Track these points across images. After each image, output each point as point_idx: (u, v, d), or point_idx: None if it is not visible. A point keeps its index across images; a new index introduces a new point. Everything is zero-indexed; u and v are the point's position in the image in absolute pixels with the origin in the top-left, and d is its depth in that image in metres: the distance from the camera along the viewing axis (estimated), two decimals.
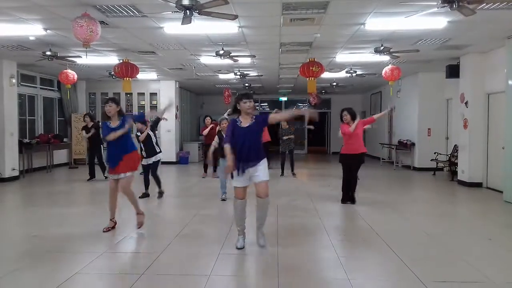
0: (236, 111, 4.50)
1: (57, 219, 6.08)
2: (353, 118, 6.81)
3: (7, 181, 9.70)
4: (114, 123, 5.18)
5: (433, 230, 5.39)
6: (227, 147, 4.36)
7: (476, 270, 3.91)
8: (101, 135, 5.32)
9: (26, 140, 11.01)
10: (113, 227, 5.32)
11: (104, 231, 5.20)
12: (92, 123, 9.78)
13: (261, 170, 4.38)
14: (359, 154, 6.82)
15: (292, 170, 10.58)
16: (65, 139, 13.23)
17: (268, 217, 6.02)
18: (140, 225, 5.32)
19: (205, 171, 10.59)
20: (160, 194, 7.47)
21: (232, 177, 4.44)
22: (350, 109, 6.95)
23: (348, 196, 6.96)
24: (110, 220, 5.35)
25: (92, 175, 9.90)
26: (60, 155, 13.13)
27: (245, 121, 4.41)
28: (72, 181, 10.52)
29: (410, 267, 3.95)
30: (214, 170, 10.17)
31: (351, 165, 6.84)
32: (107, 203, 5.39)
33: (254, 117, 4.44)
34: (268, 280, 3.70)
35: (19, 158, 10.39)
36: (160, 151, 7.39)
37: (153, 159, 7.21)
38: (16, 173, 10.18)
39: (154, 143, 7.24)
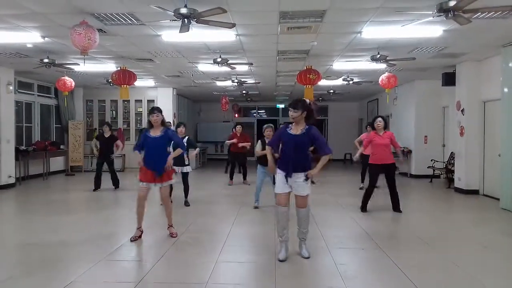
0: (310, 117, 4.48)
1: (53, 226, 6.04)
2: (385, 127, 7.12)
3: (3, 189, 9.65)
4: (155, 132, 5.15)
5: (430, 237, 5.39)
6: (268, 148, 4.58)
7: (472, 277, 3.91)
8: (137, 143, 5.35)
9: (23, 147, 10.96)
10: (140, 236, 5.24)
11: (132, 241, 5.14)
12: (109, 133, 9.48)
13: (306, 184, 4.41)
14: (390, 164, 6.93)
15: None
16: (61, 146, 13.20)
17: (264, 225, 6.05)
18: (175, 235, 5.32)
19: (244, 178, 10.74)
20: (185, 202, 7.53)
21: (274, 182, 4.49)
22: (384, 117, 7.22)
23: (366, 206, 7.06)
24: (137, 229, 5.25)
25: (97, 186, 9.39)
26: (57, 163, 13.08)
27: (295, 130, 4.43)
28: (68, 189, 10.50)
29: (407, 274, 3.95)
30: (244, 178, 10.65)
31: (385, 175, 6.93)
32: (134, 211, 5.30)
33: (307, 127, 4.42)
34: None
35: (15, 165, 10.35)
36: (189, 164, 7.45)
37: (181, 169, 7.26)
38: (12, 181, 10.12)
39: (185, 156, 7.18)
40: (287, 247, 4.50)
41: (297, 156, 4.37)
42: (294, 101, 4.47)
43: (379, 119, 7.12)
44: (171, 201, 5.73)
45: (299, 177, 4.38)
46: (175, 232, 5.38)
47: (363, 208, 7.06)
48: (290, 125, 4.52)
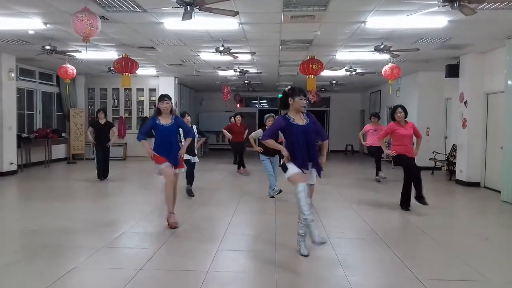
0: (286, 106, 4.32)
1: (55, 213, 6.07)
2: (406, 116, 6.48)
3: (5, 176, 9.68)
4: (165, 120, 5.18)
5: (431, 228, 5.39)
6: (269, 140, 4.30)
7: (473, 269, 3.92)
8: (142, 129, 5.30)
9: (25, 135, 10.98)
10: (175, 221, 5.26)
11: (173, 228, 5.12)
12: (105, 120, 9.28)
13: (315, 174, 4.35)
14: (413, 158, 6.49)
15: None
16: (63, 134, 13.21)
17: (265, 214, 6.08)
18: (174, 226, 5.16)
19: (239, 167, 10.77)
20: (189, 191, 7.45)
21: (285, 170, 4.24)
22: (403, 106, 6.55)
23: (407, 200, 6.42)
24: (171, 213, 5.22)
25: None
26: (59, 150, 13.10)
27: (298, 120, 4.26)
28: (70, 176, 10.54)
29: (408, 265, 3.96)
30: (239, 168, 10.67)
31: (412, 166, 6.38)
32: (162, 197, 5.49)
33: (305, 115, 4.31)
34: (266, 277, 3.70)
35: (17, 152, 10.37)
36: (197, 155, 7.48)
37: (192, 159, 7.20)
38: (14, 168, 10.16)
39: (195, 145, 7.30)
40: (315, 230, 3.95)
41: (309, 147, 4.21)
42: (299, 89, 4.32)
43: (399, 109, 6.44)
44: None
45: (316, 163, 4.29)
46: (176, 222, 5.25)
47: (407, 204, 6.41)
48: (287, 115, 4.30)
